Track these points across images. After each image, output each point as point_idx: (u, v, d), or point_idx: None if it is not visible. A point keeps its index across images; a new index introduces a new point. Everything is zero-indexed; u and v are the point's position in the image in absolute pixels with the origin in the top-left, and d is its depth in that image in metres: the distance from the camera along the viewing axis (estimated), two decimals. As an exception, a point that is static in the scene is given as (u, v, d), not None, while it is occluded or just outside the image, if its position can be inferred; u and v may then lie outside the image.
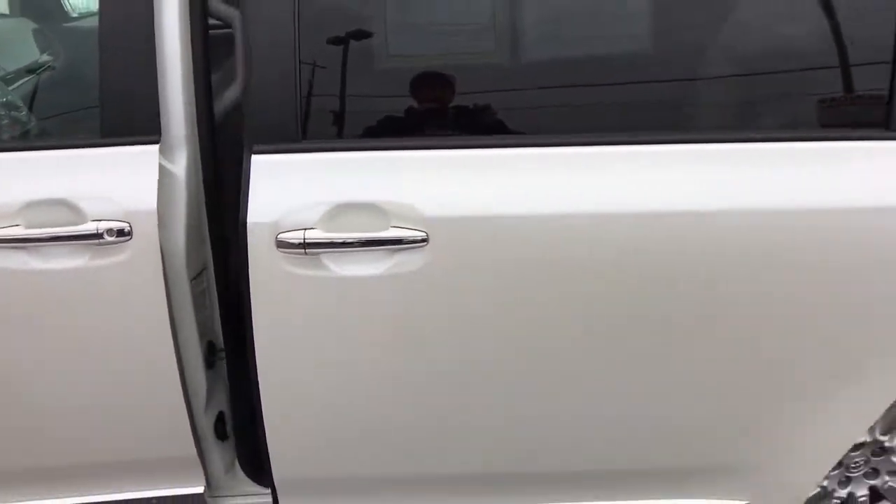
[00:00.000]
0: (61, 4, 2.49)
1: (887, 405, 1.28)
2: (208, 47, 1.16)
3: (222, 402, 1.39)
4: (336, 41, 1.11)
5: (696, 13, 1.13)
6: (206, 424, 1.34)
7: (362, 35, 1.12)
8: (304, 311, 1.12)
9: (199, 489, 1.38)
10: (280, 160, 1.09)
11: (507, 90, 1.17)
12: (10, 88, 1.66)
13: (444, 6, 1.15)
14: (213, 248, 1.26)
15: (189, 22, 1.13)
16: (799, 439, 1.30)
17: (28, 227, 1.09)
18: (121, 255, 1.11)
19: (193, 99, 1.15)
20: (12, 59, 1.84)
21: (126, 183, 1.11)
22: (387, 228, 1.07)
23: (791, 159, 1.11)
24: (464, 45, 1.14)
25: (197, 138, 1.17)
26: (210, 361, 1.30)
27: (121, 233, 1.10)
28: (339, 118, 1.14)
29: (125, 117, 1.10)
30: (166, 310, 1.17)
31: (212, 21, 1.22)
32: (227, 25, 1.25)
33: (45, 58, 1.89)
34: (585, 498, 1.37)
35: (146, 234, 1.11)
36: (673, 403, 1.24)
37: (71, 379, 1.21)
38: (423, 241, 1.07)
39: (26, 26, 2.09)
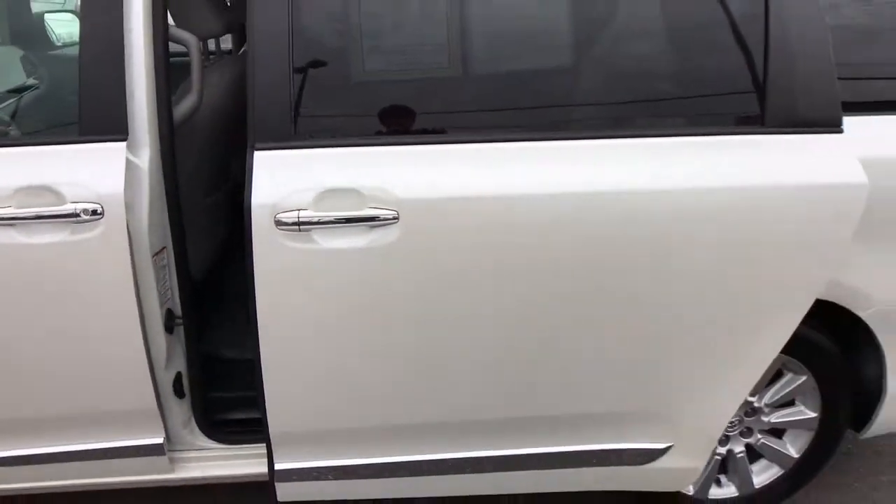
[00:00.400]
0: (47, 35, 2.77)
1: (762, 371, 1.56)
2: (169, 64, 1.44)
3: (180, 364, 1.63)
4: (321, 61, 1.38)
5: (605, 34, 1.42)
6: (166, 382, 1.58)
7: (342, 56, 1.40)
8: (299, 279, 1.35)
9: (159, 440, 1.61)
10: (276, 155, 1.33)
11: (454, 98, 1.44)
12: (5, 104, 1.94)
13: (405, 34, 1.41)
14: (171, 229, 1.51)
15: (153, 43, 1.40)
16: (706, 395, 1.58)
17: (18, 208, 1.34)
18: (94, 232, 1.37)
19: (155, 106, 1.42)
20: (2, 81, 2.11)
21: (99, 172, 1.36)
22: (364, 209, 1.33)
23: (690, 150, 1.39)
24: (421, 64, 1.40)
25: (158, 138, 1.44)
26: (169, 326, 1.55)
27: (94, 213, 1.35)
28: (323, 121, 1.40)
29: (99, 119, 1.36)
30: (132, 280, 1.42)
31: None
32: (185, 47, 1.53)
33: (31, 81, 2.17)
34: (543, 442, 1.60)
35: (115, 215, 1.37)
36: (611, 364, 1.50)
37: (49, 338, 1.44)
38: (395, 218, 1.32)
39: (14, 53, 2.37)
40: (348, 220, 1.32)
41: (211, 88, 1.70)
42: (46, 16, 2.84)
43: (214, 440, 1.70)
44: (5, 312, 1.40)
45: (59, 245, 1.36)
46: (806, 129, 1.40)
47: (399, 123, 1.41)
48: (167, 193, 1.48)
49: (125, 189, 1.36)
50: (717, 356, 1.52)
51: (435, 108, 1.43)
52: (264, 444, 1.67)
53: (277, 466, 1.58)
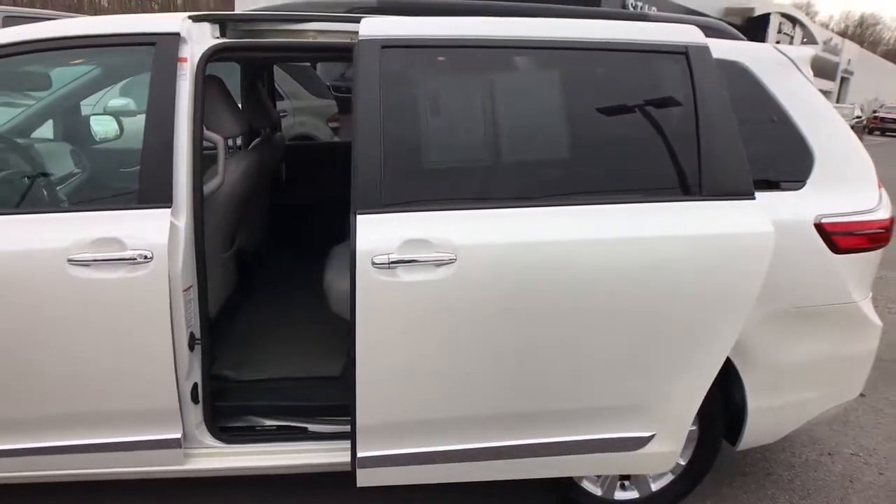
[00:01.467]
0: (91, 133, 3.44)
1: (714, 375, 2.07)
2: (202, 156, 2.05)
3: (197, 376, 2.15)
4: (401, 155, 1.96)
5: (591, 139, 2.06)
6: (186, 389, 2.10)
7: (415, 151, 2.00)
8: (386, 302, 1.86)
9: (178, 435, 2.11)
10: (372, 217, 1.86)
11: (491, 177, 2.04)
12: (60, 187, 2.57)
13: (456, 137, 2.06)
14: (197, 272, 2.08)
15: (192, 140, 2.02)
16: (680, 390, 2.06)
17: (93, 252, 1.92)
18: (145, 271, 1.93)
19: (192, 184, 2.02)
20: (57, 167, 2.76)
21: (150, 229, 1.95)
22: (433, 253, 1.86)
23: (648, 211, 1.96)
24: (468, 156, 2.06)
25: (192, 207, 2.03)
26: (191, 345, 2.08)
27: (146, 257, 1.92)
28: (404, 194, 1.95)
29: (152, 192, 1.96)
30: (168, 307, 1.97)
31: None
32: (213, 143, 2.16)
33: (76, 169, 2.84)
34: (560, 433, 2.07)
35: (160, 259, 1.94)
36: (610, 366, 1.99)
37: (107, 348, 1.98)
38: (453, 259, 1.86)
39: (65, 148, 3.05)
40: (422, 261, 1.86)
41: (230, 174, 2.31)
42: (91, 118, 3.51)
43: (220, 440, 2.20)
44: (79, 327, 1.95)
45: (121, 280, 1.92)
46: (730, 196, 1.99)
47: (454, 195, 1.98)
48: (196, 246, 2.06)
49: (168, 241, 1.94)
50: (683, 362, 2.03)
51: (478, 184, 2.03)
52: (258, 444, 2.17)
53: (360, 454, 1.99)
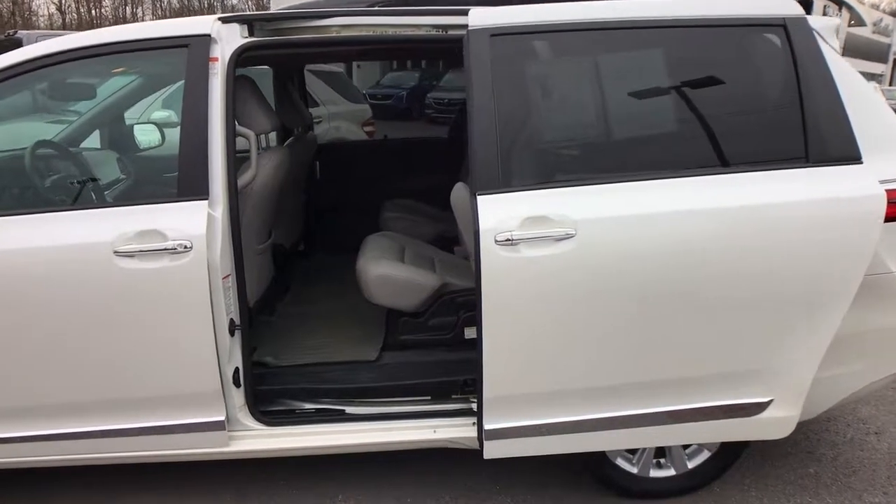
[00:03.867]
0: (134, 141, 3.61)
1: (830, 338, 2.10)
2: (234, 151, 2.16)
3: (238, 361, 2.25)
4: (516, 136, 2.07)
5: (698, 109, 2.11)
6: (228, 373, 2.20)
7: (529, 132, 2.11)
8: (510, 276, 1.95)
9: (221, 417, 2.21)
10: (491, 197, 1.96)
11: (604, 154, 2.14)
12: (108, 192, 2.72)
13: (566, 119, 2.16)
14: (234, 261, 2.18)
15: (225, 135, 2.13)
16: (798, 355, 2.09)
17: (137, 244, 2.03)
18: (185, 259, 2.04)
19: (227, 177, 2.12)
20: (105, 173, 2.92)
21: (190, 220, 2.05)
22: (552, 228, 1.94)
23: (761, 179, 2.00)
24: (580, 134, 2.15)
25: (227, 199, 2.13)
26: (231, 331, 2.18)
27: (186, 247, 2.03)
28: (521, 174, 2.07)
29: (190, 185, 2.07)
30: (208, 294, 2.07)
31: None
32: (246, 139, 2.26)
33: (122, 176, 2.99)
34: (669, 401, 2.13)
35: (199, 249, 2.04)
36: (727, 335, 2.05)
37: (151, 335, 2.09)
38: (572, 234, 1.93)
39: (112, 155, 3.22)
40: (542, 237, 1.95)
41: (262, 168, 2.42)
42: (135, 127, 3.69)
43: (262, 423, 2.29)
44: (126, 315, 2.07)
45: (163, 269, 2.04)
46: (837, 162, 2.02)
47: (569, 172, 2.09)
48: (232, 235, 2.16)
49: (206, 231, 2.05)
50: (801, 326, 2.05)
51: (592, 161, 2.14)
52: (299, 426, 2.26)
53: (486, 426, 2.08)
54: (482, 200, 1.99)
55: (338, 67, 8.04)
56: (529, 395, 2.09)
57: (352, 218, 3.79)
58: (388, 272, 2.44)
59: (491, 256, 1.96)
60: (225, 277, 2.14)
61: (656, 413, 2.14)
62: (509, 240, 1.95)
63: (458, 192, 2.33)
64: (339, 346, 2.62)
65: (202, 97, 2.10)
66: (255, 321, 2.66)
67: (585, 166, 2.12)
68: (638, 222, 1.97)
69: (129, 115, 3.86)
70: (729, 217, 1.97)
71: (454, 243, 3.26)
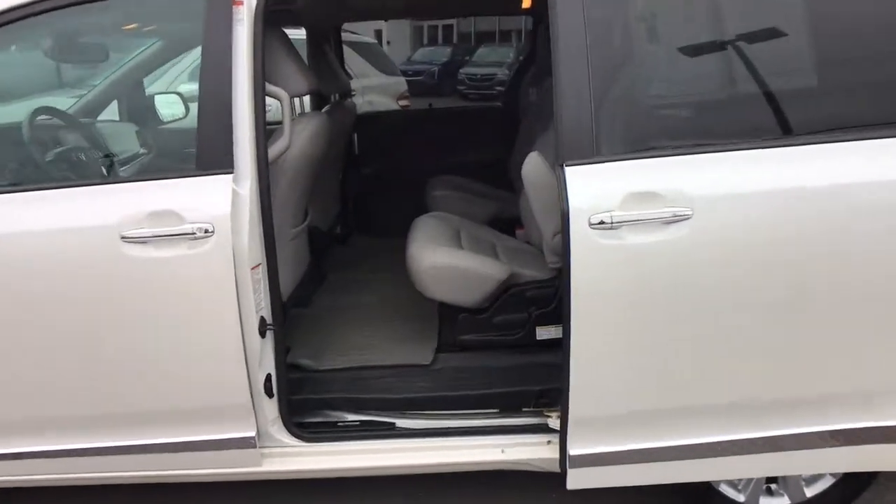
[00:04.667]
0: (156, 113, 3.26)
1: None
2: (264, 114, 1.78)
3: (270, 367, 1.89)
4: (615, 93, 1.67)
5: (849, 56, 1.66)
6: (258, 381, 1.84)
7: (629, 89, 1.71)
8: (608, 269, 1.59)
9: (252, 433, 1.86)
10: (584, 169, 1.58)
11: (729, 112, 1.72)
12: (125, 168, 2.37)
13: (679, 69, 1.73)
14: (266, 248, 1.81)
15: (254, 96, 1.75)
16: None
17: (150, 228, 1.68)
18: (206, 246, 1.68)
19: (255, 146, 1.75)
20: (120, 148, 2.57)
21: (211, 199, 1.69)
22: (663, 208, 1.56)
23: None
24: (698, 86, 1.73)
25: (256, 173, 1.76)
26: (262, 331, 1.82)
27: (206, 231, 1.67)
28: (622, 138, 1.68)
29: (211, 156, 1.70)
30: (234, 288, 1.71)
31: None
32: (278, 100, 1.88)
33: (142, 150, 2.63)
34: (805, 422, 1.73)
35: (223, 233, 1.68)
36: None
37: (167, 337, 1.74)
38: (688, 215, 1.55)
39: (131, 129, 2.87)
40: (650, 219, 1.57)
41: (297, 136, 2.04)
42: (156, 97, 3.34)
43: (298, 438, 1.94)
44: (137, 313, 1.72)
45: (180, 257, 1.68)
46: None
47: (684, 135, 1.68)
48: (263, 217, 1.79)
49: (230, 212, 1.68)
50: None
51: (713, 121, 1.72)
52: (341, 442, 1.90)
53: (572, 451, 1.72)
54: (572, 173, 1.58)
55: (371, 38, 7.64)
56: (629, 414, 1.70)
57: (394, 197, 3.41)
58: (447, 261, 2.04)
59: (584, 243, 1.57)
60: (254, 268, 1.77)
61: (783, 437, 1.73)
62: (607, 222, 1.56)
63: (533, 163, 1.92)
64: (385, 347, 2.25)
65: (224, 48, 1.72)
66: (289, 315, 2.31)
67: (704, 128, 1.70)
68: (776, 200, 1.56)
69: (154, 86, 3.51)
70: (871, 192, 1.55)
71: (513, 226, 2.85)
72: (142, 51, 2.92)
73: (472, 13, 8.30)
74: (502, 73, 14.99)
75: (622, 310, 1.62)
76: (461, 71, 15.95)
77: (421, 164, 3.46)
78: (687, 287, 1.60)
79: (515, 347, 2.11)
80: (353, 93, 3.40)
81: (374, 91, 6.94)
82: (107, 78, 3.01)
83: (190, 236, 1.67)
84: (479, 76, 15.37)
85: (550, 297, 2.04)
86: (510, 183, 3.26)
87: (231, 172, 1.71)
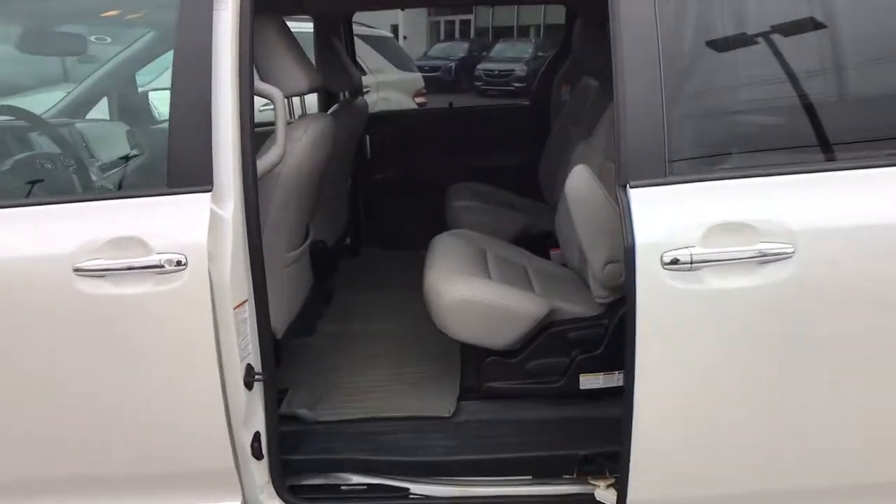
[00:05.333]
0: (151, 111, 2.94)
1: None
2: (252, 118, 1.45)
3: (259, 423, 1.56)
4: (694, 98, 1.36)
5: None
6: (244, 441, 1.52)
7: (712, 94, 1.39)
8: (686, 322, 1.28)
9: (237, 503, 1.53)
10: (654, 192, 1.26)
11: (841, 121, 1.38)
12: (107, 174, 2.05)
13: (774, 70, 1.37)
14: (253, 282, 1.49)
15: (239, 96, 1.42)
16: None
17: (108, 259, 1.35)
18: (178, 282, 1.35)
19: (240, 157, 1.42)
20: (104, 153, 2.24)
21: (184, 223, 1.36)
22: (757, 243, 1.24)
23: None
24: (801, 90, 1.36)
25: (242, 190, 1.43)
26: (248, 383, 1.50)
27: (178, 263, 1.35)
28: (702, 154, 1.37)
29: (185, 170, 1.37)
30: (213, 333, 1.39)
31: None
32: (270, 101, 1.55)
33: (134, 152, 2.29)
34: None
35: (198, 265, 1.35)
36: None
37: (129, 390, 1.42)
38: (789, 253, 1.23)
39: (121, 128, 2.53)
40: (741, 258, 1.24)
41: (294, 143, 1.71)
42: (151, 94, 3.03)
43: (294, 504, 1.61)
44: (94, 363, 1.40)
45: (146, 296, 1.36)
46: None
47: (783, 151, 1.36)
48: (250, 245, 1.46)
49: (208, 239, 1.35)
50: None
51: (822, 134, 1.35)
52: None
53: None
54: (639, 197, 1.25)
55: (387, 32, 7.30)
56: (706, 499, 1.35)
57: (410, 205, 3.08)
58: (474, 295, 1.69)
59: (653, 286, 1.24)
60: (239, 306, 1.45)
61: None
62: (684, 262, 1.23)
63: (581, 178, 1.57)
64: (398, 393, 1.91)
65: (203, 38, 1.39)
66: (288, 347, 1.98)
67: (807, 141, 1.34)
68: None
69: (152, 82, 3.19)
70: None
71: (545, 243, 2.50)
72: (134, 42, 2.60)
73: (500, 2, 7.87)
74: (520, 69, 14.68)
75: (702, 371, 1.29)
76: (478, 67, 15.60)
77: (440, 169, 3.11)
78: (787, 344, 1.26)
79: (554, 398, 1.76)
80: (367, 89, 3.07)
81: (390, 87, 6.60)
82: (95, 72, 2.70)
83: (158, 269, 1.35)
84: (496, 72, 15.02)
85: (597, 339, 1.69)
86: (538, 190, 2.92)
87: (209, 190, 1.38)
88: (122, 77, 2.70)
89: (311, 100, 2.87)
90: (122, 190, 1.62)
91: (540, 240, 2.55)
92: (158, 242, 1.35)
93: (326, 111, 2.54)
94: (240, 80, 1.42)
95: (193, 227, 1.36)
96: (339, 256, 2.79)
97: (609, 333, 1.68)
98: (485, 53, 16.70)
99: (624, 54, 1.28)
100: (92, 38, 2.67)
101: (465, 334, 1.71)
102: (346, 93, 2.72)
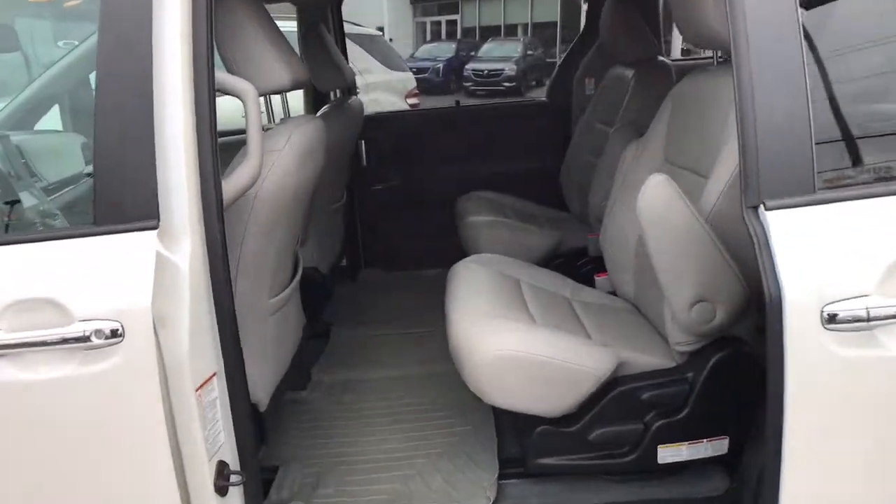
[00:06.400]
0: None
1: None
2: (214, 125, 1.04)
3: (238, 538, 1.16)
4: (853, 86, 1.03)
5: None
6: None
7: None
8: (857, 400, 0.92)
9: None
10: (802, 215, 0.89)
11: None
12: (54, 196, 1.62)
13: None
14: (224, 349, 1.08)
15: (194, 95, 1.02)
16: None
17: (10, 331, 0.94)
18: (111, 361, 0.95)
19: (198, 178, 1.01)
20: (62, 168, 1.83)
21: (118, 275, 0.96)
22: None
23: None
24: None
25: (202, 223, 1.03)
26: (221, 488, 1.09)
27: (113, 334, 0.94)
28: (865, 162, 1.03)
29: (119, 201, 0.97)
30: (164, 423, 0.99)
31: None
32: (239, 98, 1.14)
33: (90, 169, 1.85)
34: None
35: (140, 335, 0.95)
36: None
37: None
38: None
39: (76, 140, 2.10)
40: None
41: (274, 156, 1.30)
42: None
43: None
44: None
45: (65, 382, 0.95)
46: None
47: None
48: (216, 299, 1.05)
49: (155, 297, 0.95)
50: None
51: None
52: None
53: None
54: (778, 224, 0.86)
55: (375, 31, 6.90)
56: None
57: (414, 220, 2.67)
58: (520, 350, 1.27)
59: (809, 351, 0.86)
60: (204, 384, 1.04)
61: None
62: (859, 319, 0.82)
63: (660, 191, 1.17)
64: (421, 468, 1.49)
65: (140, 18, 0.99)
66: (276, 410, 1.56)
67: None
68: None
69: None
70: None
71: (577, 263, 2.11)
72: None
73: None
74: (510, 69, 14.49)
75: (879, 457, 0.89)
76: (467, 67, 15.29)
77: (446, 177, 2.71)
78: None
79: (624, 475, 1.36)
80: (357, 91, 2.66)
81: (380, 88, 6.19)
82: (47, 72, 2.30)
83: (83, 344, 0.94)
84: (485, 72, 14.73)
85: (680, 399, 1.29)
86: (560, 199, 2.52)
87: (155, 227, 0.97)
88: (74, 79, 2.29)
89: (296, 104, 2.46)
90: (33, 230, 1.20)
91: (572, 259, 2.15)
92: (82, 306, 0.95)
93: (315, 114, 2.13)
94: (195, 72, 1.02)
95: (132, 281, 0.95)
96: (333, 285, 2.38)
97: (696, 391, 1.28)
98: (473, 53, 16.46)
99: (750, 39, 0.89)
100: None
101: (507, 401, 1.30)
102: (338, 91, 2.31)
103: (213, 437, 1.08)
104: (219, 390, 1.09)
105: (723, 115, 1.30)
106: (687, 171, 1.42)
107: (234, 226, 1.20)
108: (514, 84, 14.30)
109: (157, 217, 0.98)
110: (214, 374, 1.08)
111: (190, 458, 1.04)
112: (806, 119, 0.88)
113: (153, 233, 0.97)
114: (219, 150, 1.06)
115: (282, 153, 1.29)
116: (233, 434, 1.12)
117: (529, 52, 15.75)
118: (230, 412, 1.11)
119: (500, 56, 15.44)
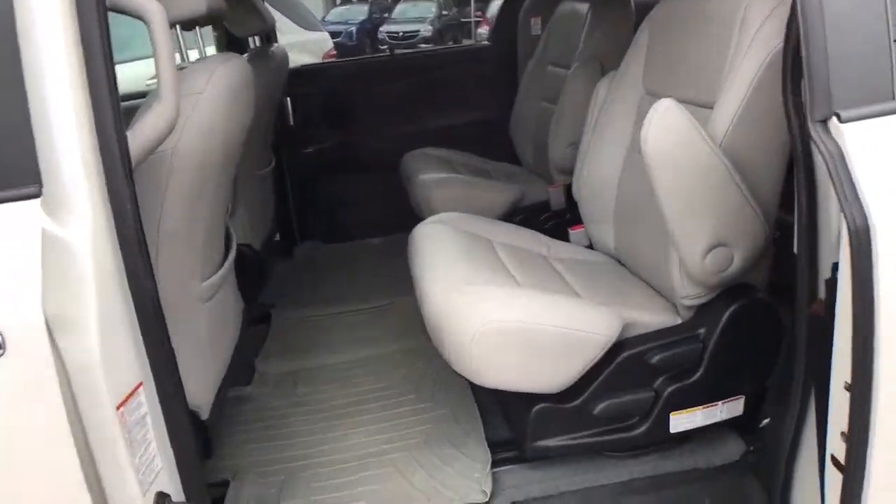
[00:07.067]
0: None
1: None
2: (110, 49, 0.77)
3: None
4: None
5: None
6: None
7: None
8: None
9: None
10: (887, 125, 0.72)
11: None
12: None
13: None
14: (149, 352, 0.83)
15: (76, 19, 0.74)
16: None
17: None
18: (-11, 383, 0.69)
19: (93, 126, 0.75)
20: None
21: (-12, 265, 0.69)
22: None
23: None
24: None
25: (104, 189, 0.77)
26: (160, 526, 0.85)
27: (-15, 347, 0.68)
28: None
29: (-23, 160, 0.69)
30: (76, 456, 0.74)
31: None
32: (142, 21, 0.87)
33: None
34: None
35: (30, 346, 0.69)
36: None
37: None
38: None
39: None
40: None
41: (194, 98, 1.03)
42: None
43: None
44: None
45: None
46: None
47: None
48: (133, 288, 0.80)
49: (46, 292, 0.69)
50: None
51: None
52: None
53: None
54: (857, 135, 0.69)
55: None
56: None
57: (354, 184, 2.42)
58: (520, 319, 1.06)
59: None
60: (127, 399, 0.80)
61: None
62: None
63: (670, 120, 0.99)
64: (401, 464, 1.28)
65: None
66: (219, 411, 1.31)
67: None
68: None
69: None
70: None
71: (542, 218, 1.93)
72: None
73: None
74: (425, 30, 14.25)
75: None
76: (381, 29, 14.86)
77: (386, 134, 2.46)
78: None
79: (633, 450, 1.20)
80: (276, 40, 2.35)
81: (295, 49, 5.75)
82: None
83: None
84: (400, 34, 14.36)
85: (692, 359, 1.14)
86: (512, 151, 2.33)
87: (36, 194, 0.71)
88: None
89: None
90: None
91: (535, 214, 1.97)
92: (-62, 310, 0.68)
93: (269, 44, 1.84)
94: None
95: (9, 272, 0.69)
96: (270, 259, 2.11)
97: (710, 350, 1.13)
98: (386, 15, 16.02)
99: None
100: None
101: (502, 379, 1.10)
102: (257, 39, 2.01)
103: (146, 464, 0.84)
104: (148, 404, 0.85)
105: (718, 39, 1.13)
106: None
107: (148, 192, 0.93)
108: (431, 46, 14.10)
109: (38, 181, 0.71)
110: (140, 385, 0.83)
111: (117, 494, 0.80)
112: (882, 14, 0.71)
113: (34, 202, 0.71)
114: (117, 91, 0.79)
115: (202, 96, 1.02)
116: (171, 456, 0.88)
117: (444, 13, 15.47)
118: (165, 428, 0.87)
119: (415, 17, 15.12)
